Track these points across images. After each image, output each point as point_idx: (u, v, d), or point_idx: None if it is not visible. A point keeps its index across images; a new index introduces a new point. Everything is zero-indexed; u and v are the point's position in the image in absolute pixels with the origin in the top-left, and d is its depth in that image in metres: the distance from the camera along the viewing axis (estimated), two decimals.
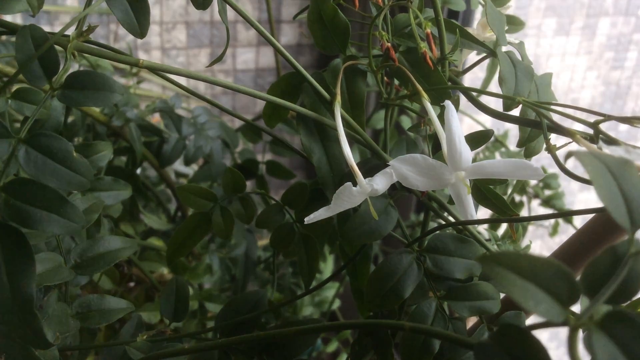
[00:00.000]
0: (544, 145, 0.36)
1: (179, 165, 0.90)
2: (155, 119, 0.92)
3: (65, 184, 0.25)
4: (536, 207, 0.95)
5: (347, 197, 0.32)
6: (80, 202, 0.39)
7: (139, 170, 0.86)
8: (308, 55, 1.54)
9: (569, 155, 0.20)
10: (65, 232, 0.25)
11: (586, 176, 0.28)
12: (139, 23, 0.29)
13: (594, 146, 0.25)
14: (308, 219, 0.33)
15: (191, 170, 0.93)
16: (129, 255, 0.39)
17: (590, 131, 0.28)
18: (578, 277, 0.19)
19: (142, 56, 1.41)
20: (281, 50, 0.34)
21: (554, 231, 1.00)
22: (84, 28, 0.28)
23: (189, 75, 0.31)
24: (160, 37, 1.43)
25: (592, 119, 0.29)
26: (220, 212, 0.41)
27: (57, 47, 0.29)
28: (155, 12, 1.38)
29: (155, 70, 0.30)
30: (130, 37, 1.38)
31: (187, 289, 0.41)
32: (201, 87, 1.49)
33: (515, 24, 0.42)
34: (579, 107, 0.27)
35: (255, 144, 0.85)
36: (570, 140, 0.29)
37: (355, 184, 0.32)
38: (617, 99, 2.04)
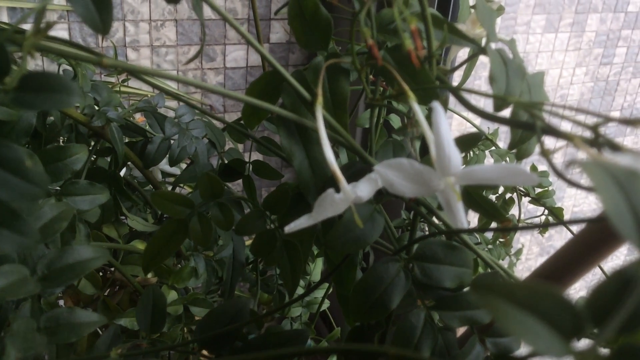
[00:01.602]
0: (537, 147, 0.34)
1: (165, 165, 0.88)
2: (141, 118, 0.89)
3: (17, 195, 0.23)
4: (526, 203, 0.94)
5: (329, 205, 0.30)
6: (49, 209, 0.37)
7: (124, 171, 0.84)
8: (298, 53, 1.52)
9: (570, 164, 0.18)
10: (17, 248, 0.23)
11: (584, 182, 0.26)
12: (101, 19, 0.26)
13: (595, 151, 0.23)
14: (288, 228, 0.31)
15: (179, 170, 0.91)
16: (100, 265, 0.36)
17: (584, 131, 0.27)
18: (576, 290, 0.17)
19: (130, 54, 1.38)
20: (255, 45, 0.32)
21: (544, 229, 0.99)
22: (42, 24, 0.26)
23: (155, 74, 0.29)
24: (149, 35, 1.41)
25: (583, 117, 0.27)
26: (197, 219, 0.39)
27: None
28: (144, 9, 1.36)
29: (120, 68, 0.28)
30: (119, 34, 1.35)
31: (164, 299, 0.39)
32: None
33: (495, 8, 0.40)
34: (575, 107, 0.26)
35: (243, 143, 0.83)
36: (565, 143, 0.27)
37: (338, 189, 0.31)
38: (606, 95, 2.04)
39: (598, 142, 0.23)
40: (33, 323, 0.34)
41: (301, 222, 0.32)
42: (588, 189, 0.26)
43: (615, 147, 0.23)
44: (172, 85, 1.41)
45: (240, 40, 1.48)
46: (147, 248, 0.40)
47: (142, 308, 0.39)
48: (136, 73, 0.32)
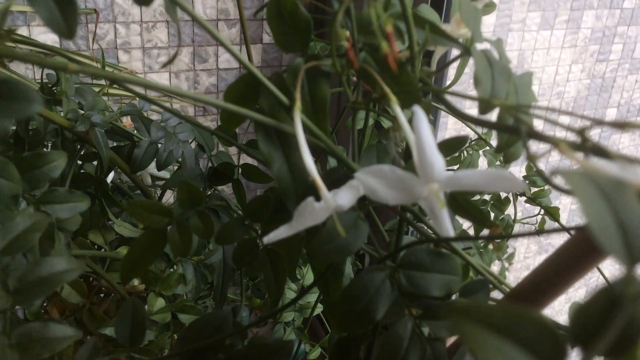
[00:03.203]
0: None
1: (154, 169, 0.87)
2: (128, 122, 0.88)
3: None
4: (523, 201, 0.93)
5: (309, 214, 0.29)
6: (22, 220, 0.36)
7: (112, 175, 0.82)
8: (292, 53, 1.51)
9: (554, 172, 0.17)
10: None
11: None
12: (65, 22, 0.25)
13: (581, 156, 0.22)
14: (267, 239, 0.30)
15: (169, 174, 0.90)
16: (76, 277, 0.35)
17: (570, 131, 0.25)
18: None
19: (122, 56, 1.37)
20: (229, 47, 0.31)
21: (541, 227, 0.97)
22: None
23: (129, 81, 0.28)
24: (141, 37, 1.40)
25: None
26: (176, 228, 0.38)
27: None
28: (134, 11, 1.35)
29: (87, 74, 0.27)
30: (110, 36, 1.34)
31: (143, 312, 0.38)
32: (184, 86, 1.46)
33: (486, 5, 0.39)
34: (562, 110, 0.24)
35: (230, 147, 0.82)
36: (552, 147, 0.26)
37: (319, 197, 0.29)
38: (603, 92, 2.03)
39: (585, 146, 0.22)
40: (4, 339, 0.33)
41: (281, 232, 0.30)
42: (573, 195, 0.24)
43: (603, 153, 0.21)
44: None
45: (232, 41, 1.47)
46: (125, 258, 0.39)
47: (121, 320, 0.38)
48: (112, 80, 0.31)
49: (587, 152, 0.22)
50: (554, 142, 0.23)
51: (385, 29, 0.27)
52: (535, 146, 0.29)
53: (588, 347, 0.15)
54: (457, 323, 0.14)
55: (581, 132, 0.23)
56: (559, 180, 0.29)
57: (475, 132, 0.82)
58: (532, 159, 0.25)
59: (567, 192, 0.27)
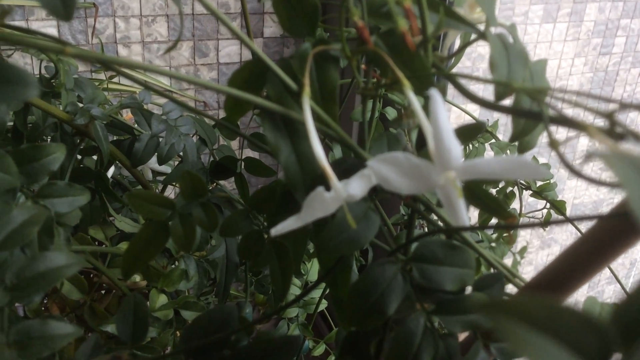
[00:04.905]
0: (540, 138, 0.32)
1: (155, 164, 0.85)
2: (129, 115, 0.87)
3: None
4: (526, 196, 0.92)
5: (319, 205, 0.28)
6: (19, 213, 0.34)
7: (113, 170, 0.81)
8: (293, 47, 1.50)
9: (589, 156, 0.15)
10: None
11: (595, 176, 0.24)
12: (63, 4, 0.24)
13: (612, 142, 0.21)
14: (275, 231, 0.29)
15: (170, 168, 0.88)
16: (75, 272, 0.34)
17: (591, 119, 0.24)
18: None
19: (121, 51, 1.36)
20: (236, 31, 0.30)
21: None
22: None
23: (126, 64, 0.26)
24: (140, 31, 1.39)
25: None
26: (179, 220, 0.36)
27: None
28: (134, 5, 1.34)
29: (84, 58, 0.25)
30: (109, 31, 1.33)
31: (146, 308, 0.37)
32: (184, 81, 1.45)
33: None
34: (587, 93, 0.23)
35: (237, 140, 0.81)
36: (574, 134, 0.24)
37: (328, 187, 0.28)
38: (606, 85, 2.02)
39: (614, 131, 0.21)
40: (2, 337, 0.31)
41: (289, 224, 0.29)
42: (601, 184, 0.23)
43: (633, 134, 0.20)
44: (164, 82, 1.38)
45: (233, 35, 1.45)
46: (127, 252, 0.38)
47: (123, 317, 0.36)
48: (108, 64, 0.30)
49: (615, 136, 0.21)
50: (580, 127, 0.21)
51: (400, 8, 0.25)
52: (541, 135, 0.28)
53: (631, 346, 0.14)
54: (494, 319, 0.13)
55: (610, 115, 0.21)
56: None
57: (483, 123, 0.81)
58: (554, 145, 0.24)
59: (589, 179, 0.25)
